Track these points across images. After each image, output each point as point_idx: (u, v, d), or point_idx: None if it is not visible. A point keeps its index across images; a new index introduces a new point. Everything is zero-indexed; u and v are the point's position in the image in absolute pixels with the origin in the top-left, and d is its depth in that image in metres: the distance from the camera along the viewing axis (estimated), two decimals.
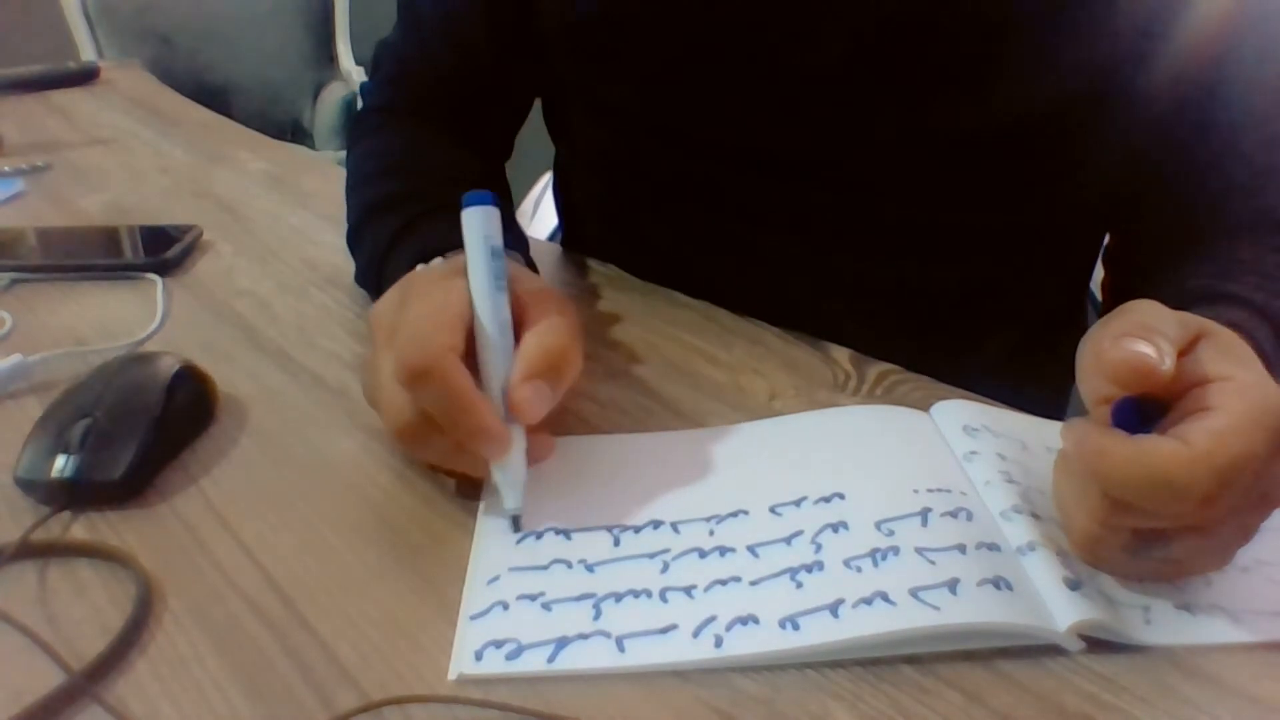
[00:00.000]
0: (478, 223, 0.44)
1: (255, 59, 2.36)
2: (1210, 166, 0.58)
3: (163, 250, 0.70)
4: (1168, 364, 0.35)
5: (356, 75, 2.41)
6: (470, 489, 0.45)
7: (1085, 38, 0.55)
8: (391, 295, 0.45)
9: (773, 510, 0.42)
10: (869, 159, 0.60)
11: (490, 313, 0.43)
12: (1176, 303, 0.39)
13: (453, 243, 0.49)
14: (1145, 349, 0.35)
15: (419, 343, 0.40)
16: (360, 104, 0.75)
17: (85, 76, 1.28)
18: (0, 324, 0.61)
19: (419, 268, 0.50)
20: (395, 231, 0.57)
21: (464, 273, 0.44)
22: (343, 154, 2.50)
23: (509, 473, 0.42)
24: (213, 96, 1.35)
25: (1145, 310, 0.38)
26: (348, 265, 0.66)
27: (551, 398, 0.42)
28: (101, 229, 0.78)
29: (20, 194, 0.87)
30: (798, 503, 0.43)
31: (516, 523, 0.42)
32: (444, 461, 0.43)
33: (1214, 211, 0.58)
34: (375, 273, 0.58)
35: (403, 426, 0.41)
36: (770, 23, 0.58)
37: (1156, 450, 0.34)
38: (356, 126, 0.72)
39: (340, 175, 0.92)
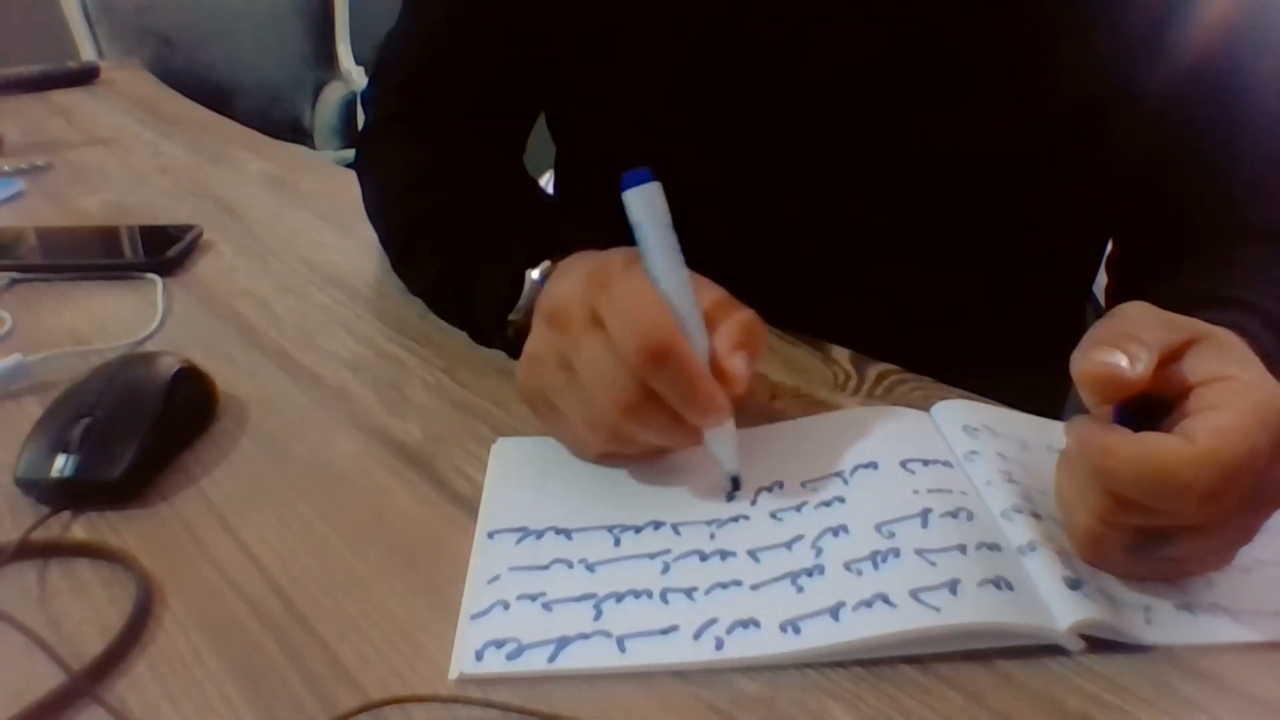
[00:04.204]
0: (652, 200, 0.43)
1: (255, 59, 2.36)
2: (1213, 174, 0.58)
3: (163, 250, 0.70)
4: (1139, 370, 0.35)
5: (356, 75, 2.41)
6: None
7: (1091, 44, 0.54)
8: (568, 286, 0.44)
9: (773, 515, 0.42)
10: (875, 168, 0.60)
11: (683, 290, 0.42)
12: (1179, 308, 0.39)
13: (558, 245, 0.51)
14: (1113, 358, 0.36)
15: (648, 324, 0.40)
16: (363, 110, 0.74)
17: (85, 76, 1.28)
18: (0, 324, 0.61)
19: (543, 265, 0.51)
20: (479, 237, 0.57)
21: (634, 255, 0.43)
22: (343, 154, 2.49)
23: (727, 439, 0.43)
24: (213, 96, 1.35)
25: (1130, 315, 0.38)
26: (348, 265, 0.66)
27: (752, 367, 0.43)
28: (101, 229, 0.78)
29: (20, 194, 0.87)
30: (798, 508, 0.43)
31: (736, 483, 0.44)
32: (657, 438, 0.43)
33: (1215, 218, 0.58)
34: (459, 275, 0.58)
35: (630, 406, 0.41)
36: (781, 31, 0.58)
37: (1160, 447, 0.34)
38: (375, 137, 0.72)
39: (341, 175, 0.93)
